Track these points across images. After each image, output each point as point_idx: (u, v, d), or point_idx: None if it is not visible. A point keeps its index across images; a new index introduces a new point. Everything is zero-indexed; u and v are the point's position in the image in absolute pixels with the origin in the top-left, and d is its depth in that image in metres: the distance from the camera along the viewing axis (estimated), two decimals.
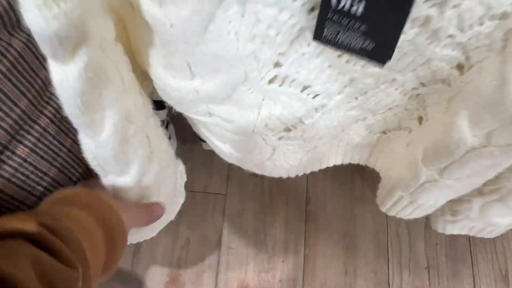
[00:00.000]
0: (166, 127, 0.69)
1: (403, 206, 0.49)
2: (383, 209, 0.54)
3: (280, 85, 0.33)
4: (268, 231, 0.91)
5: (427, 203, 0.46)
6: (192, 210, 0.93)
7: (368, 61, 0.29)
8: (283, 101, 0.34)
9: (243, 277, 0.88)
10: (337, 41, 0.29)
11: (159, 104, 0.54)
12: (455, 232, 0.60)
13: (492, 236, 0.60)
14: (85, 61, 0.27)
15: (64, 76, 0.28)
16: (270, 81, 0.32)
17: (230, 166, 0.91)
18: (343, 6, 0.26)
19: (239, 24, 0.26)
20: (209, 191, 0.95)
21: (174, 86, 0.34)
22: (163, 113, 0.59)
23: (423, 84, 0.34)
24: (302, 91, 0.33)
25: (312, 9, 0.28)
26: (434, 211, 0.58)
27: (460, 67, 0.32)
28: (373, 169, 0.56)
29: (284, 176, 0.51)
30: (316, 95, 0.33)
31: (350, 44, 0.29)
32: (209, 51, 0.28)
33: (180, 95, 0.34)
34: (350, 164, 0.56)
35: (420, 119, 0.40)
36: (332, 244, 0.89)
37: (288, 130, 0.39)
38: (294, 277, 0.88)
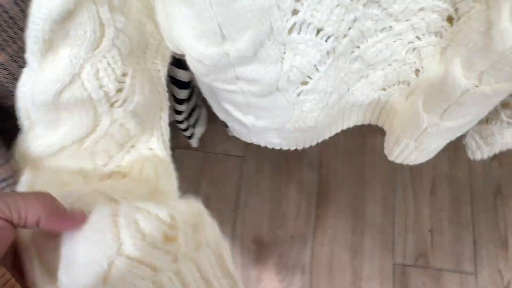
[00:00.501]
0: (194, 110, 0.75)
1: (409, 152, 0.55)
2: (391, 157, 0.60)
3: (298, 33, 0.38)
4: (283, 191, 0.98)
5: (430, 146, 0.52)
6: (213, 169, 1.00)
7: None
8: (301, 50, 0.40)
9: (258, 231, 0.95)
10: None
11: (182, 85, 0.60)
12: (485, 156, 0.64)
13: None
14: None
15: None
16: (290, 30, 0.38)
17: None
18: None
19: None
20: (229, 153, 1.02)
21: (207, 54, 0.39)
22: (185, 92, 0.64)
23: (418, 38, 0.39)
24: (316, 35, 0.38)
25: None
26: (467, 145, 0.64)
27: (450, 19, 0.37)
28: (382, 137, 0.62)
29: (303, 145, 0.58)
30: (328, 38, 0.39)
31: None
32: (239, 7, 0.35)
33: (213, 61, 0.40)
34: (360, 130, 0.62)
35: (417, 72, 0.45)
36: (342, 205, 0.96)
37: (305, 83, 0.45)
38: (305, 233, 0.94)
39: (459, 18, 0.37)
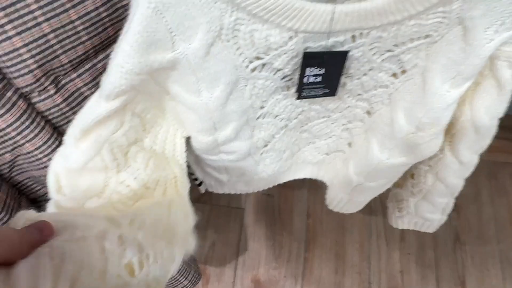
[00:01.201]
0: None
1: (344, 203, 0.75)
2: (331, 207, 0.80)
3: (263, 118, 0.59)
4: (276, 238, 1.17)
5: (358, 200, 0.72)
6: (218, 219, 1.20)
7: (325, 97, 0.56)
8: (264, 127, 0.61)
9: (255, 272, 1.13)
10: (309, 95, 0.56)
11: None
12: (405, 227, 0.84)
13: (431, 230, 0.84)
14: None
15: None
16: (258, 117, 0.59)
17: None
18: (310, 82, 0.54)
19: (246, 90, 0.54)
20: (231, 205, 1.22)
21: (204, 141, 0.58)
22: None
23: (349, 122, 0.61)
24: (274, 118, 0.60)
25: (283, 78, 0.55)
26: (390, 210, 0.84)
27: (368, 112, 0.59)
28: None
29: (264, 187, 0.77)
30: (282, 119, 0.60)
31: (316, 94, 0.56)
32: (228, 110, 0.55)
33: (207, 145, 0.58)
34: None
35: (349, 144, 0.67)
36: (326, 250, 1.14)
37: (266, 145, 0.65)
38: (296, 274, 1.12)
39: (374, 113, 0.59)
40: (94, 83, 0.54)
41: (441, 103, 0.52)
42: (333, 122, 0.62)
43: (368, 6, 0.42)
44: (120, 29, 0.42)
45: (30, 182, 0.59)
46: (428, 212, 0.78)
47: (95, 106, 0.44)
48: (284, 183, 0.77)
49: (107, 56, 0.47)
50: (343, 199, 0.74)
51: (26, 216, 0.32)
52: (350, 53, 0.47)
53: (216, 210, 1.21)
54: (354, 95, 0.57)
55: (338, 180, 0.72)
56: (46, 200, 0.49)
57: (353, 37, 0.45)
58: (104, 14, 0.49)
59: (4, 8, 0.41)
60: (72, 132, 0.46)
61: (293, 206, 1.20)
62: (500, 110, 0.53)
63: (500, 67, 0.48)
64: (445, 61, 0.48)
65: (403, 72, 0.51)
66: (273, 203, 1.21)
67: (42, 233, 0.31)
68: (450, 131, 0.59)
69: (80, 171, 0.47)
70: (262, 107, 0.56)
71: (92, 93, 0.48)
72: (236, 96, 0.51)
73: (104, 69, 0.47)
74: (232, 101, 0.51)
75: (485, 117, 0.54)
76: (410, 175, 0.71)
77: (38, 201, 0.63)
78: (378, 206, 1.14)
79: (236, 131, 0.56)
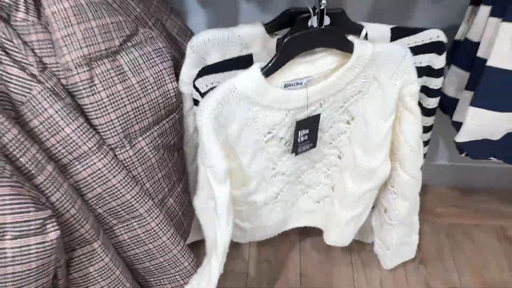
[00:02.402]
0: None
1: (337, 237, 0.98)
2: (328, 242, 1.02)
3: (275, 177, 0.84)
4: None
5: (349, 231, 0.95)
6: (223, 283, 1.31)
7: (310, 149, 0.82)
8: (276, 183, 0.85)
9: None
10: (302, 150, 0.81)
11: None
12: (394, 263, 1.06)
13: (412, 254, 1.07)
14: None
15: None
16: (272, 176, 0.83)
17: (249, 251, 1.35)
18: (302, 140, 0.80)
19: (263, 156, 0.78)
20: (235, 270, 1.34)
21: (235, 194, 0.81)
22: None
23: (328, 169, 0.87)
24: (282, 175, 0.84)
25: (285, 143, 0.81)
26: (379, 255, 1.07)
27: (339, 156, 0.86)
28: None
29: (274, 233, 0.98)
30: (287, 176, 0.84)
31: (305, 149, 0.81)
32: (253, 171, 0.78)
33: (237, 198, 0.80)
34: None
35: (332, 188, 0.92)
36: None
37: (276, 197, 0.89)
38: None
39: (343, 155, 0.86)
40: (153, 145, 0.76)
41: (380, 133, 0.80)
42: (317, 171, 0.88)
43: (325, 84, 0.71)
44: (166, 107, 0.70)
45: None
46: (407, 235, 1.02)
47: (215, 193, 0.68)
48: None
49: (159, 128, 0.76)
50: (336, 233, 0.97)
51: None
52: (321, 115, 0.75)
53: (222, 274, 1.34)
54: (327, 144, 0.84)
55: (330, 221, 0.96)
56: None
57: (320, 104, 0.74)
58: (160, 101, 0.74)
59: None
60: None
61: (289, 269, 1.37)
62: (420, 130, 0.82)
63: (408, 101, 0.78)
64: (374, 104, 0.77)
65: (352, 118, 0.80)
66: (274, 268, 1.37)
67: None
68: (397, 156, 0.86)
69: None
70: (273, 168, 0.81)
71: (150, 149, 0.74)
72: (257, 160, 0.76)
73: (159, 134, 0.75)
74: (254, 164, 0.76)
75: (412, 136, 0.82)
76: (384, 210, 0.96)
77: None
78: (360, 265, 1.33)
79: (257, 186, 0.80)
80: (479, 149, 0.87)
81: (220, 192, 0.69)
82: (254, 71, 0.65)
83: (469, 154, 0.90)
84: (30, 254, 0.58)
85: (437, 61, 0.79)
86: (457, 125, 0.90)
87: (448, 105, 0.94)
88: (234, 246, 1.01)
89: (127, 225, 0.76)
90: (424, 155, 0.97)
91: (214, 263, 0.76)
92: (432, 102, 0.85)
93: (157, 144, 0.76)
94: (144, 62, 0.72)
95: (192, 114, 0.81)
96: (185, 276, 0.84)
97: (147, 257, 0.80)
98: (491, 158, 0.92)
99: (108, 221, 0.75)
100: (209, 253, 0.81)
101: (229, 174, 0.69)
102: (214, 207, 0.72)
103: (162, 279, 0.84)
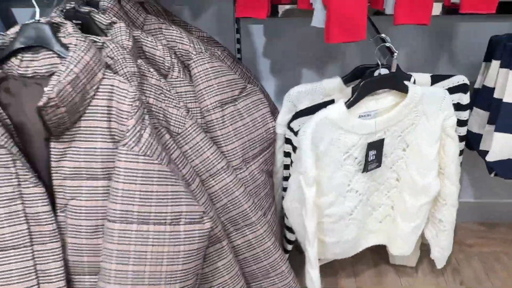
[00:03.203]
0: None
1: (402, 248, 1.18)
2: (393, 261, 1.21)
3: (350, 192, 1.05)
4: None
5: (410, 240, 1.16)
6: None
7: (376, 168, 1.04)
8: (350, 199, 1.05)
9: None
10: (371, 168, 1.03)
11: None
12: (442, 264, 1.25)
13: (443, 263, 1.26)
14: None
15: None
16: (347, 191, 1.05)
17: None
18: (371, 160, 1.03)
19: (341, 172, 1.01)
20: None
21: (317, 202, 1.05)
22: None
23: (388, 191, 1.09)
24: (355, 193, 1.06)
25: (358, 163, 1.04)
26: (435, 258, 1.26)
27: (397, 179, 1.09)
28: None
29: (348, 254, 1.18)
30: (360, 194, 1.06)
31: (373, 167, 1.03)
32: (333, 183, 1.00)
33: (319, 207, 1.01)
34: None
35: (392, 207, 1.14)
36: None
37: (351, 214, 1.10)
38: None
39: (400, 178, 1.09)
40: (259, 169, 0.99)
41: (430, 157, 1.05)
42: (381, 193, 1.10)
43: (388, 116, 0.97)
44: (268, 140, 0.94)
45: None
46: (449, 241, 1.21)
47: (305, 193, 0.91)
48: None
49: (263, 156, 1.01)
50: (400, 243, 1.16)
51: None
52: (385, 140, 1.00)
53: None
54: (388, 168, 1.07)
55: (393, 234, 1.16)
56: None
57: (384, 132, 0.99)
58: (264, 135, 0.98)
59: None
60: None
61: None
62: (458, 151, 1.07)
63: (449, 130, 1.03)
64: (423, 134, 1.02)
65: (407, 146, 1.05)
66: None
67: None
68: (444, 174, 1.09)
69: None
70: (349, 185, 1.03)
71: (258, 172, 0.97)
72: (337, 175, 0.99)
73: (263, 161, 0.98)
74: (335, 178, 0.99)
75: (455, 157, 1.07)
76: (437, 221, 1.17)
77: None
78: None
79: (334, 198, 1.01)
80: (506, 168, 1.10)
81: (309, 192, 0.93)
82: (340, 104, 0.91)
83: (497, 173, 1.13)
84: (194, 237, 0.79)
85: (464, 98, 1.06)
86: (484, 153, 1.13)
87: (473, 140, 1.19)
88: None
89: (241, 232, 0.96)
90: None
91: (309, 249, 0.98)
92: (463, 131, 1.10)
93: (261, 169, 1.00)
94: (254, 107, 0.99)
95: (281, 152, 1.06)
96: (282, 279, 1.02)
97: (254, 261, 0.99)
98: None
99: (227, 228, 0.95)
100: (303, 247, 1.02)
101: (315, 182, 0.93)
102: (299, 206, 0.96)
103: (263, 282, 1.02)
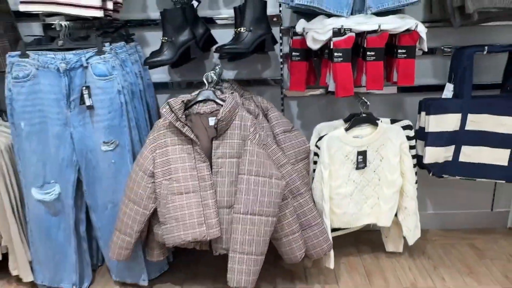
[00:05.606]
0: None
1: (386, 219, 1.99)
2: (380, 224, 2.02)
3: (350, 181, 1.90)
4: None
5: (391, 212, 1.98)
6: None
7: (363, 168, 1.89)
8: (350, 185, 1.87)
9: None
10: (360, 167, 1.88)
11: None
12: (411, 242, 2.04)
13: (413, 240, 2.06)
14: None
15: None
16: (349, 179, 1.90)
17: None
18: (360, 161, 1.88)
19: (345, 167, 1.87)
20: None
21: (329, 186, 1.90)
22: None
23: (373, 188, 1.93)
24: (353, 182, 1.88)
25: (353, 163, 1.89)
26: (406, 236, 2.07)
27: (379, 179, 1.94)
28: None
29: (352, 223, 1.99)
30: (356, 183, 1.89)
31: (361, 166, 1.89)
32: (340, 173, 1.87)
33: (329, 190, 1.89)
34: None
35: (378, 198, 1.95)
36: None
37: (351, 194, 1.91)
38: None
39: (380, 178, 1.95)
40: (302, 167, 1.85)
41: (394, 164, 1.93)
42: (370, 187, 1.94)
43: (368, 138, 1.87)
44: (306, 152, 1.83)
45: None
46: (417, 221, 2.02)
47: (323, 172, 1.78)
48: None
49: (303, 162, 1.86)
50: (383, 219, 1.97)
51: None
52: (367, 152, 1.89)
53: None
54: (372, 171, 1.94)
55: (379, 214, 1.97)
56: None
57: (367, 146, 1.88)
58: (303, 149, 1.87)
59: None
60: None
61: None
62: (412, 164, 1.95)
63: (405, 150, 1.92)
64: (389, 150, 1.92)
65: (382, 158, 1.93)
66: None
67: None
68: (405, 177, 1.94)
69: None
70: (349, 176, 1.89)
71: (302, 169, 1.82)
72: (342, 168, 1.86)
73: (303, 164, 1.83)
74: (340, 170, 1.86)
75: (410, 166, 1.94)
76: (404, 208, 1.98)
77: None
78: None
79: (340, 183, 1.87)
80: (435, 168, 1.97)
81: (325, 172, 1.79)
82: (342, 130, 1.82)
83: (433, 172, 1.99)
84: (278, 186, 1.64)
85: (411, 132, 1.97)
86: (426, 165, 2.02)
87: (418, 160, 2.07)
88: None
89: (295, 198, 1.79)
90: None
91: (325, 206, 1.81)
92: (413, 151, 1.99)
93: (304, 167, 1.87)
94: (298, 135, 1.90)
95: (312, 160, 1.94)
96: (321, 230, 1.82)
97: (303, 215, 1.81)
98: (447, 176, 2.01)
99: (287, 196, 1.79)
100: (321, 208, 1.85)
101: (328, 170, 1.80)
102: (319, 185, 1.81)
103: (307, 230, 1.82)
